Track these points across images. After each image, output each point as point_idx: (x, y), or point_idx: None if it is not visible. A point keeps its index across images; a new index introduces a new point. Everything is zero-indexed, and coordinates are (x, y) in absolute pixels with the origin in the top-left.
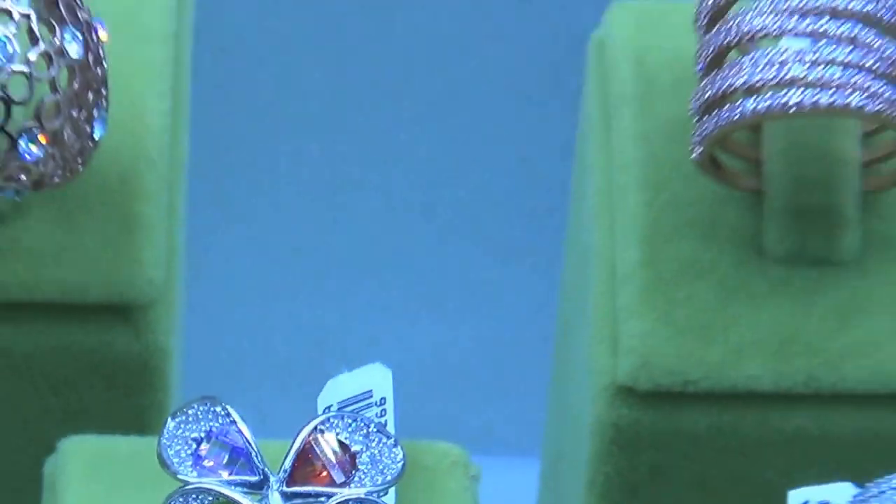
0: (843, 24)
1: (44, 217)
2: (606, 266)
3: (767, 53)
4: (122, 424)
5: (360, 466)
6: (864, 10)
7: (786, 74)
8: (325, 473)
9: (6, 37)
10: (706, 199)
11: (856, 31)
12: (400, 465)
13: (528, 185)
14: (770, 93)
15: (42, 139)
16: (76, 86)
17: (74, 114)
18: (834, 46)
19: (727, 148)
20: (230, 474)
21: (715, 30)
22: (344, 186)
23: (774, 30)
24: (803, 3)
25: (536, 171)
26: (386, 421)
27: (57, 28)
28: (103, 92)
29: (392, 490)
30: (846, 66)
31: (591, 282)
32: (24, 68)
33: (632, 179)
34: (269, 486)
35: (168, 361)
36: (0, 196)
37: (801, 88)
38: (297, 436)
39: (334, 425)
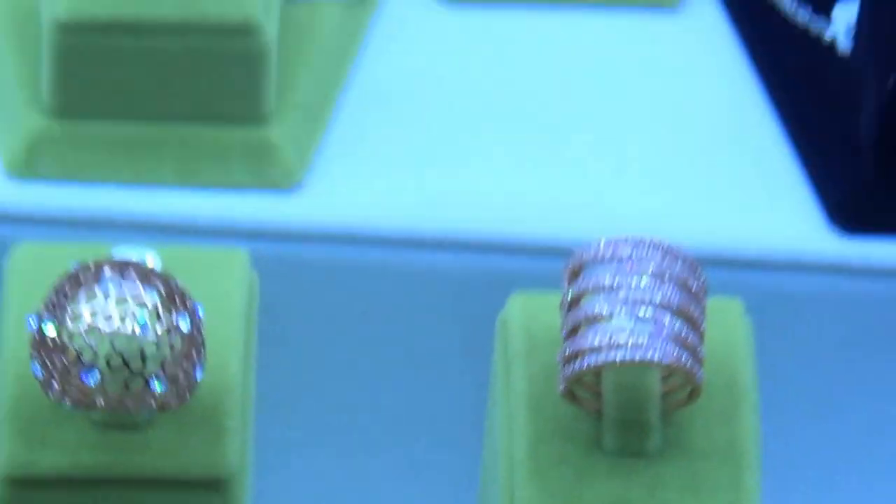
0: (649, 308)
1: (165, 427)
2: (507, 460)
3: (604, 327)
4: None
5: None
6: (663, 301)
7: (615, 340)
8: None
9: (145, 318)
10: (569, 417)
11: (657, 314)
12: None
13: (458, 410)
14: (605, 351)
15: (164, 380)
16: (185, 348)
17: (184, 364)
18: (645, 323)
19: (581, 384)
20: None
21: (571, 312)
22: (348, 414)
23: (607, 314)
24: (626, 296)
25: (464, 401)
26: None
27: (173, 311)
28: (202, 351)
29: None
30: (651, 335)
31: (498, 469)
32: (154, 338)
33: (522, 406)
34: None
35: None
36: (138, 415)
37: (625, 349)
38: None
39: None
